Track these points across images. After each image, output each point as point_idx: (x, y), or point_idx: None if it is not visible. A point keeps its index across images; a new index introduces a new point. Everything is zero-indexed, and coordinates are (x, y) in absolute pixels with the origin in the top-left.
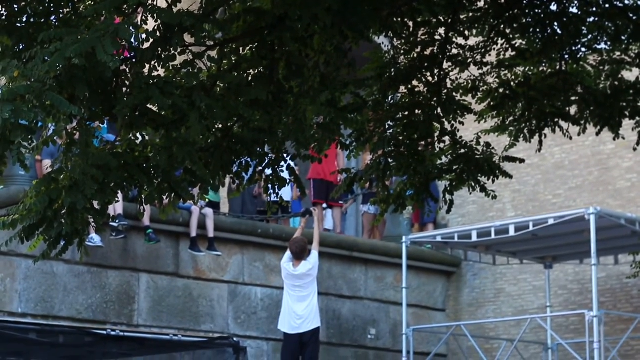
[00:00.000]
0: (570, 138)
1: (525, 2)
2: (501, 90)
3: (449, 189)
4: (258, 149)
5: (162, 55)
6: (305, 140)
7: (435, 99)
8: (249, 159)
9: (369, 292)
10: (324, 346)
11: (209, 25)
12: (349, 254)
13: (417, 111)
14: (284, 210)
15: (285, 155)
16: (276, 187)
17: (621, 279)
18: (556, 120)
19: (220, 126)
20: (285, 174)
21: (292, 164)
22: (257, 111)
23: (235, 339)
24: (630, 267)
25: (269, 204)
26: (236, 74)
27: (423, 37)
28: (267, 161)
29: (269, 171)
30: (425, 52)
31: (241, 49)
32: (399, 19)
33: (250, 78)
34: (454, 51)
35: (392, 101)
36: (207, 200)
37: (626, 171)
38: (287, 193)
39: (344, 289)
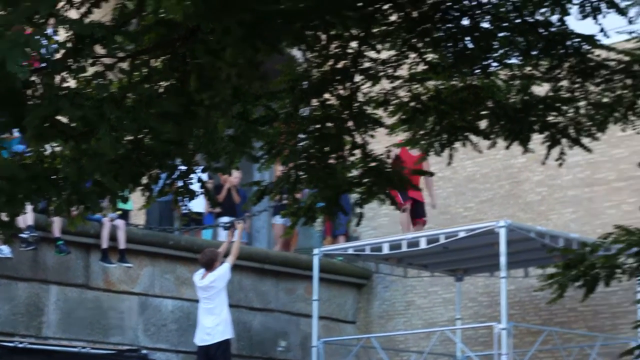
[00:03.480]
0: (480, 152)
1: (437, 16)
2: (412, 104)
3: (359, 202)
4: (169, 161)
5: (73, 67)
6: (216, 152)
7: (346, 112)
8: (159, 171)
9: (279, 304)
10: (234, 358)
11: (120, 37)
12: (260, 266)
13: (328, 124)
14: (198, 222)
15: (195, 168)
16: (186, 199)
17: (530, 291)
18: (466, 134)
19: (131, 138)
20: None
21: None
22: (168, 123)
23: (143, 351)
24: (537, 280)
25: (181, 216)
26: (147, 86)
27: (336, 51)
28: (177, 173)
29: (179, 183)
30: (338, 66)
31: (152, 60)
32: (312, 32)
33: (161, 90)
34: (366, 64)
35: (304, 114)
36: (119, 211)
37: (536, 184)
38: (200, 205)
39: (254, 301)
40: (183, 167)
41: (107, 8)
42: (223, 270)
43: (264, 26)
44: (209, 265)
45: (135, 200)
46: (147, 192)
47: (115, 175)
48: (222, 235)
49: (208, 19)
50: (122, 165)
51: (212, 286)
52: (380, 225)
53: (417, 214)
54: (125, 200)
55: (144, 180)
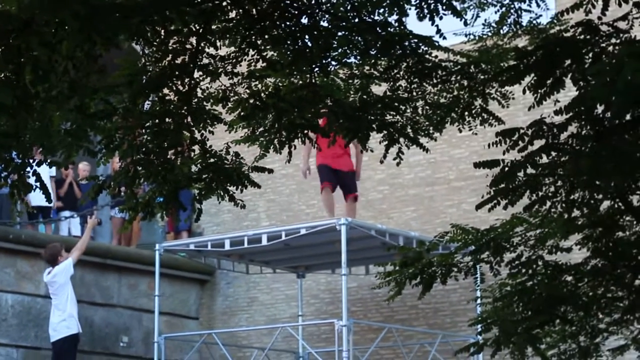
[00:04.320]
0: (320, 150)
1: (276, 14)
2: (251, 101)
3: (198, 197)
4: (4, 154)
5: None
6: (52, 146)
7: (185, 107)
8: None
9: (122, 300)
10: None
11: None
12: (102, 261)
13: (167, 119)
14: (45, 215)
15: (31, 161)
16: (22, 192)
17: (372, 289)
18: (306, 131)
19: None
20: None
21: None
22: (2, 115)
23: None
24: (375, 278)
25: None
26: None
27: (174, 46)
28: (12, 166)
29: (14, 176)
30: (177, 61)
31: None
32: (150, 27)
33: None
34: (205, 60)
35: (142, 108)
36: None
37: (378, 183)
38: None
39: (96, 296)
40: (18, 161)
41: None
42: (64, 266)
43: (100, 20)
44: (52, 261)
45: None
46: None
47: None
48: (64, 229)
49: (42, 11)
50: None
51: (54, 281)
52: (223, 221)
53: (348, 189)
54: None
55: None
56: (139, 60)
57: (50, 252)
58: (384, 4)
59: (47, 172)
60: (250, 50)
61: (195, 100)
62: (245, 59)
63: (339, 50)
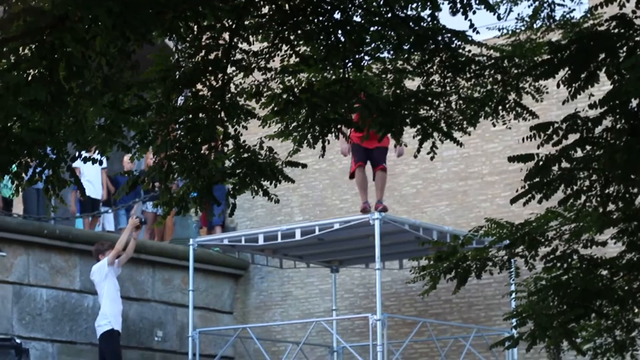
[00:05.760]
0: (352, 142)
1: (309, 9)
2: (285, 96)
3: (231, 192)
4: (39, 150)
5: None
6: (86, 141)
7: (219, 103)
8: (28, 160)
9: (156, 294)
10: None
11: None
12: (136, 256)
13: (201, 115)
14: (94, 208)
15: (66, 157)
16: (56, 188)
17: (406, 283)
18: (339, 126)
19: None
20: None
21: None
22: (37, 111)
23: (17, 340)
24: (410, 272)
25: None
26: (15, 74)
27: (208, 41)
28: (46, 162)
29: (49, 172)
30: (210, 56)
31: (21, 48)
32: (183, 23)
33: (29, 78)
34: (238, 56)
35: (176, 104)
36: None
37: (412, 178)
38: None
39: (131, 290)
40: (53, 156)
41: None
42: (98, 265)
43: (133, 16)
44: (96, 258)
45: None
46: (17, 180)
47: None
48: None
49: (76, 8)
50: None
51: (93, 279)
52: (257, 216)
53: (376, 163)
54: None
55: (14, 168)
56: (172, 56)
57: (95, 249)
58: None
59: (97, 165)
60: (284, 45)
61: (229, 95)
62: (278, 54)
63: (372, 45)
